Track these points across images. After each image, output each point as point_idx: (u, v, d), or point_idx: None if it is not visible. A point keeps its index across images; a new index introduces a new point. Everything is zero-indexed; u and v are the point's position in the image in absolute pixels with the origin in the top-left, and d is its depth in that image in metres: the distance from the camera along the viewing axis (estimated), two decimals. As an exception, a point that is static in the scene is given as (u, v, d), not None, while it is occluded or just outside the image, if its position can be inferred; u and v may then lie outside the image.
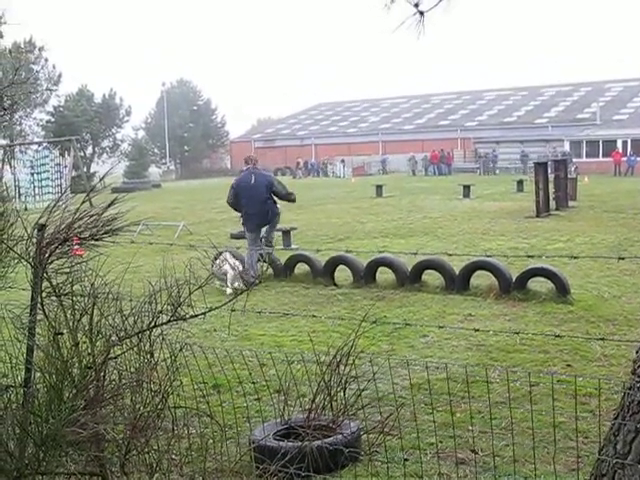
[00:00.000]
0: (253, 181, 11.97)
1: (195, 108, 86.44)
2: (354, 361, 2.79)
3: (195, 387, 5.01)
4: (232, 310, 2.93)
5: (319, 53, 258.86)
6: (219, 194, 39.48)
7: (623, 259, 2.64)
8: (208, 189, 47.54)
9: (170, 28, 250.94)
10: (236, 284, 10.35)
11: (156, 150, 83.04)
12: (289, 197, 12.33)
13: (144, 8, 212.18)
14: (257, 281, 7.59)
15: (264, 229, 12.15)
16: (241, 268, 10.79)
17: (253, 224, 11.97)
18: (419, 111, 79.10)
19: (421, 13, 4.32)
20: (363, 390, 2.89)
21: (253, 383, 5.99)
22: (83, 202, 2.66)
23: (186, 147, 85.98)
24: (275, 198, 12.07)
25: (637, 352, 3.04)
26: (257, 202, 11.81)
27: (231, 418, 4.91)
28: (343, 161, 61.79)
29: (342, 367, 2.70)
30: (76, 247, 2.91)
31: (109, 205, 2.66)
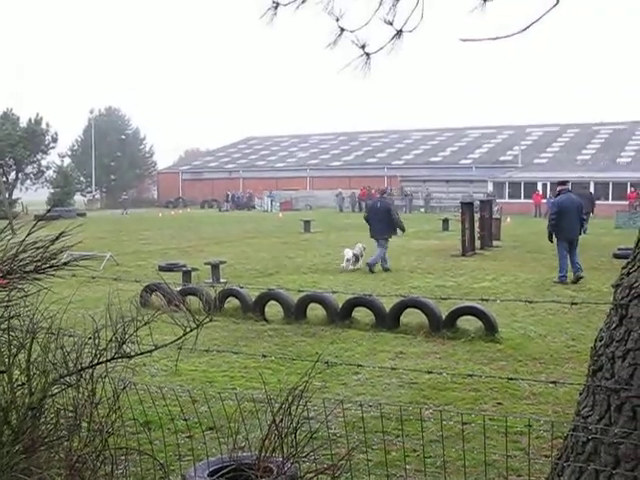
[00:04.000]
0: (379, 205, 18.45)
1: (123, 137, 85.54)
2: (306, 403, 2.75)
3: (126, 424, 4.89)
4: (179, 348, 2.85)
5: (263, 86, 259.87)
6: (146, 225, 39.13)
7: (576, 304, 2.72)
8: (134, 220, 46.89)
9: (104, 53, 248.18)
10: (351, 267, 17.76)
11: (82, 178, 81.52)
12: (400, 224, 18.42)
13: (70, 28, 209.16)
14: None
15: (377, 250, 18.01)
16: (360, 262, 18.06)
17: (375, 233, 18.15)
18: (347, 148, 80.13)
19: (367, 55, 4.40)
20: (314, 432, 2.85)
21: (185, 420, 5.89)
22: (30, 233, 2.56)
23: (112, 176, 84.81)
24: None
25: (581, 394, 3.10)
26: (378, 219, 18.02)
27: (163, 456, 4.79)
28: (271, 195, 62.19)
29: (294, 408, 2.66)
30: None
31: (56, 238, 2.57)
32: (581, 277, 15.23)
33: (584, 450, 2.85)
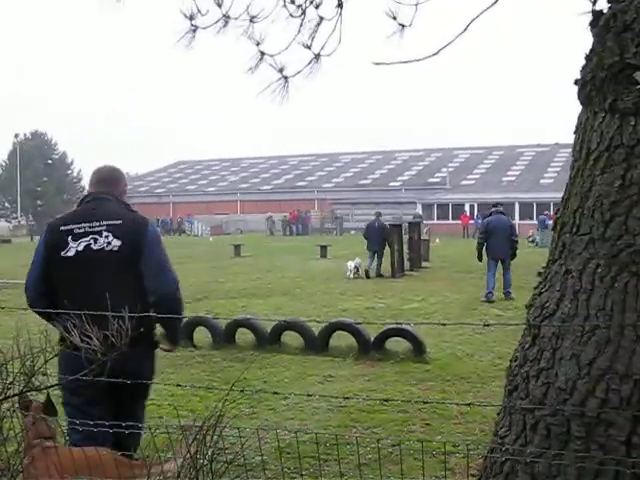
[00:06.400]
0: (377, 226, 22.57)
1: (50, 162, 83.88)
2: (221, 432, 2.69)
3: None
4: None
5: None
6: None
7: (488, 325, 2.72)
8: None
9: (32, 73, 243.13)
10: (352, 276, 21.29)
11: (7, 204, 79.57)
12: (390, 239, 21.95)
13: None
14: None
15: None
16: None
17: (372, 246, 22.48)
18: (277, 172, 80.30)
19: (285, 78, 4.41)
20: (231, 463, 2.79)
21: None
22: None
23: (39, 202, 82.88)
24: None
25: (498, 414, 3.12)
26: (376, 235, 22.22)
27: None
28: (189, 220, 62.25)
29: (209, 438, 2.60)
30: None
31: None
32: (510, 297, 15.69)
33: (502, 470, 2.87)
